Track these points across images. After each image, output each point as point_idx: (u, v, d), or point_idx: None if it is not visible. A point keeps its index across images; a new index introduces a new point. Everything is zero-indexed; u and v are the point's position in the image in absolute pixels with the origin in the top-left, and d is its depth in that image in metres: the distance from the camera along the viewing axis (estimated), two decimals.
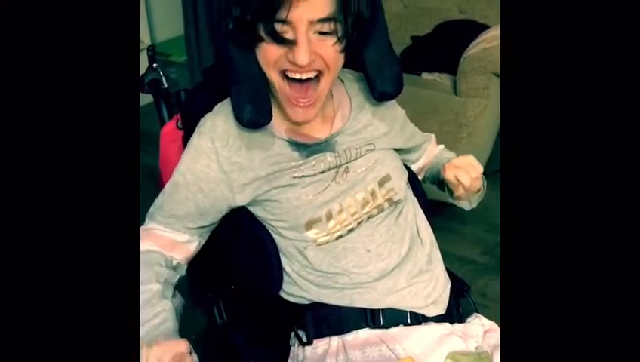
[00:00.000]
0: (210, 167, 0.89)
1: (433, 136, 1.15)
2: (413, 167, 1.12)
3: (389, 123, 0.99)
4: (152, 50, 1.20)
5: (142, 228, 0.94)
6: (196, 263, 1.01)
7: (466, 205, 1.01)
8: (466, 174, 0.92)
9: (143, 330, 0.80)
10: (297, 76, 0.82)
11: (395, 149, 1.02)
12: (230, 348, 1.02)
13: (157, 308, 0.83)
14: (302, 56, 0.78)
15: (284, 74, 0.83)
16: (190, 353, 0.74)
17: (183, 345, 0.73)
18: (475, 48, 2.07)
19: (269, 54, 0.82)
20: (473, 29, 2.27)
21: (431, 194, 1.14)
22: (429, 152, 1.13)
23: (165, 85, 1.16)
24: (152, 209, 0.94)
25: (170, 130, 1.12)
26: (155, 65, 1.17)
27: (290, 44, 0.79)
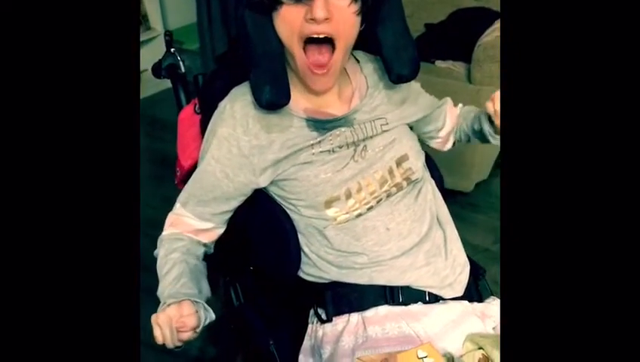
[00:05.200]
0: (233, 153, 0.92)
1: (449, 98, 1.15)
2: (442, 133, 1.12)
3: (402, 98, 1.01)
4: (169, 36, 1.20)
5: (170, 213, 0.98)
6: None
7: None
8: None
9: (160, 287, 0.89)
10: (315, 35, 0.84)
11: (417, 121, 1.04)
12: (248, 329, 1.04)
13: (174, 271, 0.89)
14: (319, 9, 0.81)
15: (303, 42, 0.85)
16: (197, 311, 0.82)
17: (187, 307, 0.81)
18: (489, 36, 2.06)
19: (288, 17, 0.84)
20: (487, 16, 2.25)
21: (446, 183, 1.14)
22: (452, 114, 1.13)
23: (183, 70, 1.16)
24: (182, 195, 0.98)
25: (187, 114, 1.12)
26: (172, 49, 1.17)
27: (309, 0, 0.82)
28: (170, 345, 0.79)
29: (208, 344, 1.67)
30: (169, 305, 0.82)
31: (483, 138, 1.07)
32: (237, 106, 0.93)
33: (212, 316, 0.87)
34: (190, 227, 0.96)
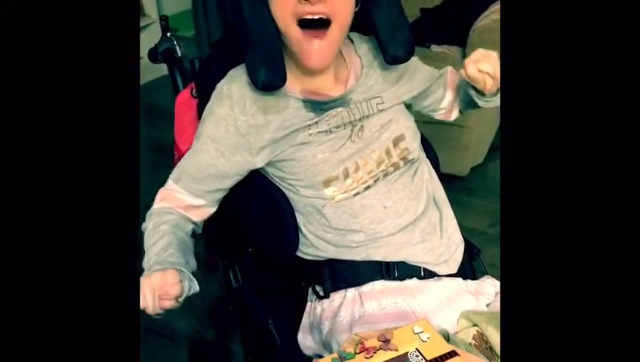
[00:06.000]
0: (230, 132, 0.93)
1: (450, 68, 1.13)
2: (444, 104, 1.11)
3: (398, 75, 1.01)
4: (165, 20, 1.20)
5: (162, 188, 0.98)
6: (211, 229, 1.03)
7: (497, 102, 0.99)
8: (487, 63, 0.89)
9: (147, 257, 0.88)
10: (309, 16, 0.84)
11: (414, 97, 1.04)
12: (247, 309, 1.05)
13: (162, 241, 0.89)
14: None
15: (298, 24, 0.86)
16: (181, 281, 0.81)
17: (171, 275, 0.81)
18: (484, 20, 2.06)
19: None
20: (482, 0, 2.25)
21: (441, 166, 1.15)
22: (452, 83, 1.11)
23: (179, 54, 1.16)
24: (175, 172, 0.98)
25: (185, 99, 1.13)
26: (168, 34, 1.17)
27: None
28: (150, 311, 0.79)
29: (207, 326, 1.69)
30: (154, 271, 0.82)
31: (474, 103, 1.04)
32: (234, 87, 0.94)
33: (196, 287, 0.86)
34: (181, 202, 0.96)
